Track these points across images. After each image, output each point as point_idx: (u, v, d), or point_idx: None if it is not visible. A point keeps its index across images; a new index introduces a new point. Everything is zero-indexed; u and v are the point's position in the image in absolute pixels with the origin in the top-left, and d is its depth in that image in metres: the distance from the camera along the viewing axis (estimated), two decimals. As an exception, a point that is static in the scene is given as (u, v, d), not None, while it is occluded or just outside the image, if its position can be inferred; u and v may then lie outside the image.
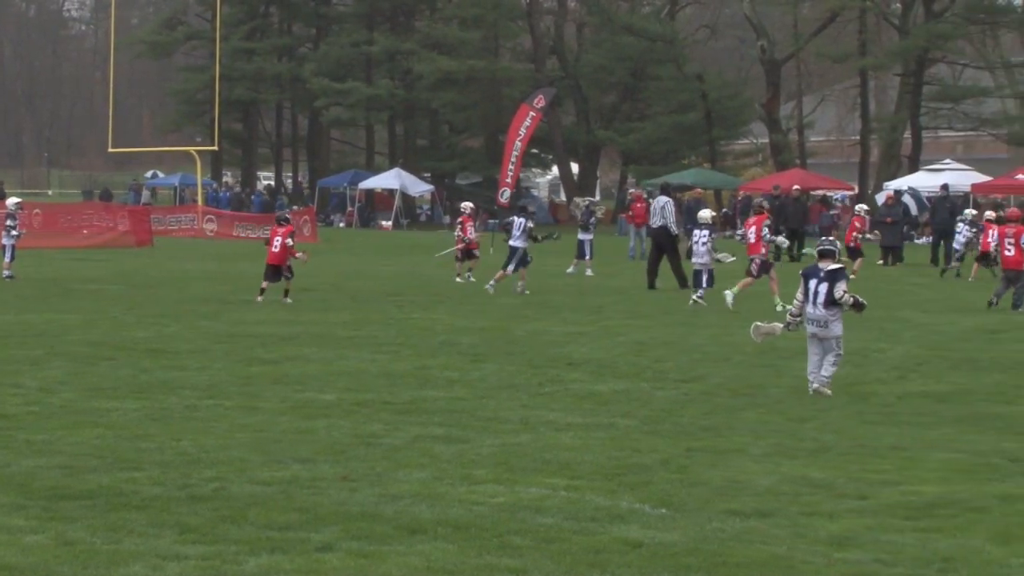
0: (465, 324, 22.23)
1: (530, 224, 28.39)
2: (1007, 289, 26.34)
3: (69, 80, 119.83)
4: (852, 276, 32.49)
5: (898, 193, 45.45)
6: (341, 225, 68.18)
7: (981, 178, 57.42)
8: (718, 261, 26.43)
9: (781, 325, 16.22)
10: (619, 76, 71.77)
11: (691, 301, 25.93)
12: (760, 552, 8.89)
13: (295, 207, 61.46)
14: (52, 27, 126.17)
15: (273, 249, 25.84)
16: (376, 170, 75.02)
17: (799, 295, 15.66)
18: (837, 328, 15.31)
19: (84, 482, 10.53)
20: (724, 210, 60.82)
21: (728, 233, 51.65)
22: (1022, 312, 25.51)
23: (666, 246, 30.13)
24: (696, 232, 26.76)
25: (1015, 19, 63.14)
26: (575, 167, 73.50)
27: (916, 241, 50.63)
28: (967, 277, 33.74)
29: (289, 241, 25.71)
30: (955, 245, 36.58)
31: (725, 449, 12.23)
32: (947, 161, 61.20)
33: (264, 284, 25.78)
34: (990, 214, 34.27)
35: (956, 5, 61.53)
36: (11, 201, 34.81)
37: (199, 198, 65.28)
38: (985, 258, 32.55)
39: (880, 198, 49.49)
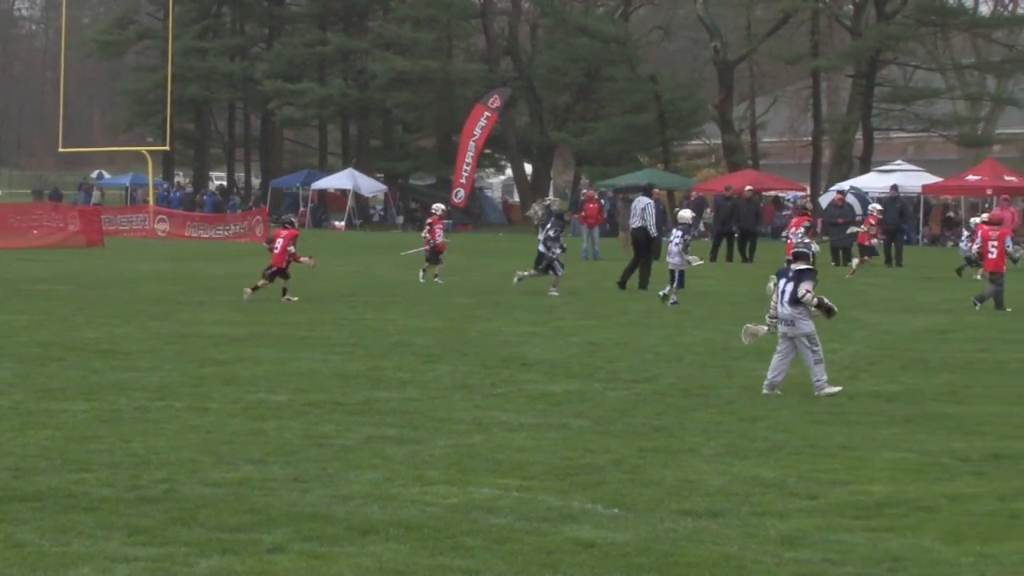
0: (419, 325, 22.20)
1: (551, 232, 28.20)
2: (996, 291, 26.18)
3: (19, 79, 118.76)
4: (850, 277, 32.75)
5: (842, 193, 45.71)
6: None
7: (932, 179, 57.83)
8: (688, 263, 26.51)
9: (766, 327, 16.30)
10: (573, 77, 71.85)
11: (668, 302, 25.82)
12: (711, 552, 8.93)
13: (250, 206, 61.17)
14: (2, 26, 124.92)
15: (274, 250, 25.94)
16: (329, 170, 74.88)
17: (774, 295, 15.74)
18: (805, 326, 15.35)
19: (33, 484, 10.46)
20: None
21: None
22: (978, 309, 25.57)
23: (643, 247, 30.16)
24: (672, 232, 26.93)
25: (965, 21, 63.61)
26: (529, 168, 73.54)
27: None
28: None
29: (291, 248, 25.81)
30: (961, 250, 36.53)
31: (677, 449, 12.27)
32: (898, 162, 61.56)
33: (261, 282, 25.76)
34: (984, 217, 34.39)
35: (908, 7, 61.88)
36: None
37: (150, 198, 64.99)
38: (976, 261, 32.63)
39: (825, 199, 49.81)
